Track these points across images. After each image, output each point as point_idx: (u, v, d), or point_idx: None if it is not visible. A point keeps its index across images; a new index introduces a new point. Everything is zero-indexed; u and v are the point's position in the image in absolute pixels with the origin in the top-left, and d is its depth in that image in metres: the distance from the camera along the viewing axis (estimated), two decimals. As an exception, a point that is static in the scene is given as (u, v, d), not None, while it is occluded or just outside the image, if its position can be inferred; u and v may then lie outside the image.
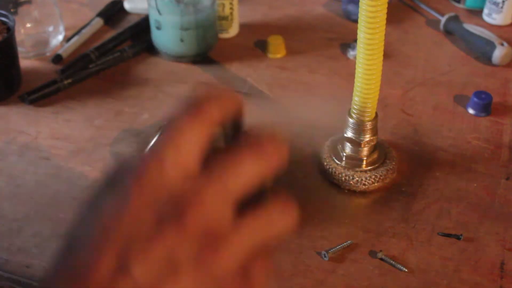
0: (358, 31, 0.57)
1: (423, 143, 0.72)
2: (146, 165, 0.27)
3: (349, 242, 0.59)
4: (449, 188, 0.66)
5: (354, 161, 0.65)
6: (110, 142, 0.73)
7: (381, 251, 0.58)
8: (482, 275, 0.56)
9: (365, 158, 0.65)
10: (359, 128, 0.63)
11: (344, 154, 0.66)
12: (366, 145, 0.64)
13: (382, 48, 0.57)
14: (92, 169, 0.69)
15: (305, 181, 0.67)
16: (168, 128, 0.29)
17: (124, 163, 0.31)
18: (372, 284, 0.56)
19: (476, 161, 0.69)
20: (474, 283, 0.56)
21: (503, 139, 0.73)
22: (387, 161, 0.66)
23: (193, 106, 0.29)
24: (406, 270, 0.57)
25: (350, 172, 0.65)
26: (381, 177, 0.65)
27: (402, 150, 0.71)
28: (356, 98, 0.61)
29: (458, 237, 0.60)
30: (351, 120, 0.63)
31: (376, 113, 0.63)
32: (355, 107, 0.62)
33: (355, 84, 0.60)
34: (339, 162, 0.66)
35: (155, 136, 0.30)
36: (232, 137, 0.31)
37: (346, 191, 0.65)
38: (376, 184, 0.65)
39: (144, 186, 0.27)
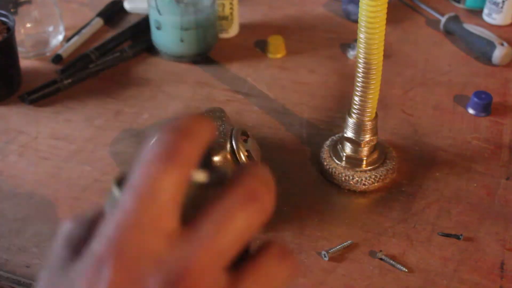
0: (358, 31, 0.57)
1: (423, 143, 0.72)
2: (121, 227, 0.23)
3: (349, 242, 0.59)
4: (449, 188, 0.66)
5: (354, 161, 0.65)
6: (110, 142, 0.73)
7: (381, 251, 0.58)
8: (482, 275, 0.56)
9: (365, 158, 0.65)
10: (359, 128, 0.63)
11: (344, 154, 0.66)
12: (366, 145, 0.64)
13: (382, 48, 0.57)
14: (92, 169, 0.69)
15: (305, 181, 0.67)
16: (138, 178, 0.24)
17: (85, 220, 0.26)
18: (372, 284, 0.56)
19: (476, 161, 0.69)
20: (474, 283, 0.56)
21: (503, 139, 0.73)
22: (387, 161, 0.66)
23: (164, 147, 0.24)
24: (406, 270, 0.57)
25: (350, 172, 0.65)
26: (381, 177, 0.65)
27: (402, 150, 0.71)
28: (356, 98, 0.61)
29: (458, 237, 0.60)
30: (351, 120, 0.63)
31: (376, 113, 0.63)
32: (355, 107, 0.62)
33: (355, 84, 0.61)
34: (339, 162, 0.66)
35: (115, 188, 0.26)
36: (209, 176, 0.26)
37: (346, 191, 0.65)
38: (376, 184, 0.65)
39: (123, 254, 0.23)
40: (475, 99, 0.76)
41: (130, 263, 0.23)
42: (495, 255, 0.58)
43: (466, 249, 0.59)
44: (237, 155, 0.59)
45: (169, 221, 0.23)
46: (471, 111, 0.77)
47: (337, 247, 0.59)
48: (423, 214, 0.63)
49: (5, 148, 0.72)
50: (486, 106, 0.75)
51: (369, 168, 0.65)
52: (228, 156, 0.59)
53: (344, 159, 0.66)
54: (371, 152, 0.66)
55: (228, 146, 0.60)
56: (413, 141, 0.72)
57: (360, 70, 0.59)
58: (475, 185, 0.66)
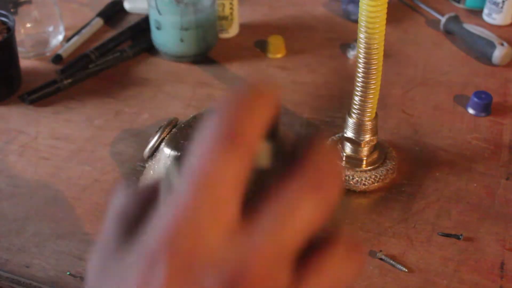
0: (358, 31, 0.57)
1: (423, 143, 0.72)
2: (177, 220, 0.21)
3: (349, 242, 0.59)
4: (449, 188, 0.66)
5: (354, 161, 0.65)
6: (110, 142, 0.73)
7: (381, 251, 0.58)
8: (482, 275, 0.56)
9: (365, 158, 0.65)
10: (359, 128, 0.63)
11: (344, 154, 0.66)
12: (366, 145, 0.64)
13: (382, 48, 0.57)
14: (92, 169, 0.69)
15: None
16: (196, 163, 0.21)
17: (139, 198, 0.25)
18: (372, 284, 0.56)
19: (476, 161, 0.69)
20: (474, 283, 0.56)
21: (503, 139, 0.73)
22: (387, 161, 0.66)
23: (224, 127, 0.21)
24: (406, 270, 0.57)
25: (350, 172, 0.65)
26: (381, 177, 0.65)
27: (402, 150, 0.71)
28: (356, 98, 0.61)
29: (458, 237, 0.60)
30: (351, 120, 0.63)
31: (376, 113, 0.63)
32: (355, 107, 0.62)
33: (355, 84, 0.60)
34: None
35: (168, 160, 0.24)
36: (272, 153, 0.23)
37: (346, 191, 0.65)
38: (376, 184, 0.65)
39: (179, 252, 0.21)
40: (475, 99, 0.76)
41: (186, 262, 0.21)
42: (495, 255, 0.58)
43: (466, 249, 0.59)
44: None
45: (229, 213, 0.21)
46: (471, 111, 0.77)
47: (337, 247, 0.58)
48: (423, 214, 0.63)
49: (5, 148, 0.72)
50: (486, 106, 0.75)
51: (369, 168, 0.65)
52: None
53: (344, 159, 0.66)
54: (371, 152, 0.66)
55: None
56: (413, 141, 0.72)
57: (360, 70, 0.59)
58: (475, 185, 0.66)
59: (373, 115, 0.63)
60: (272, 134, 0.23)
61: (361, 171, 0.65)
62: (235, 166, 0.21)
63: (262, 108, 0.22)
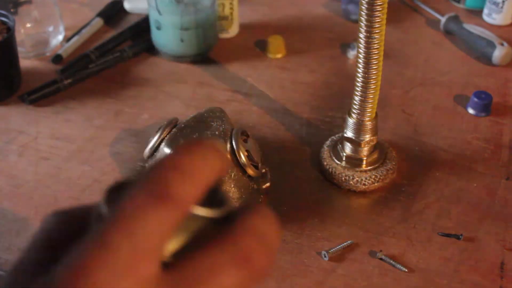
0: (358, 31, 0.57)
1: (423, 143, 0.72)
2: (92, 262, 0.20)
3: (349, 242, 0.59)
4: (449, 188, 0.66)
5: (354, 161, 0.65)
6: (110, 142, 0.73)
7: (381, 251, 0.58)
8: (482, 275, 0.56)
9: (365, 158, 0.65)
10: (359, 128, 0.63)
11: (344, 154, 0.66)
12: (366, 145, 0.64)
13: (382, 48, 0.57)
14: (92, 169, 0.69)
15: (305, 181, 0.67)
16: (122, 211, 0.21)
17: (64, 222, 0.25)
18: (372, 284, 0.56)
19: (476, 161, 0.69)
20: (474, 283, 0.56)
21: (503, 139, 0.73)
22: (387, 161, 0.66)
23: (159, 183, 0.21)
24: (406, 270, 0.57)
25: (350, 172, 0.65)
26: (381, 177, 0.65)
27: (402, 150, 0.71)
28: (356, 98, 0.61)
29: (458, 237, 0.60)
30: (351, 120, 0.63)
31: (376, 113, 0.63)
32: (355, 107, 0.62)
33: (355, 84, 0.60)
34: (339, 162, 0.66)
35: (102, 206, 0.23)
36: (212, 212, 0.23)
37: (346, 191, 0.65)
38: (376, 184, 0.65)
39: None
40: (475, 99, 0.76)
41: None
42: (495, 255, 0.58)
43: (466, 249, 0.59)
44: (237, 155, 0.59)
45: (147, 267, 0.21)
46: (471, 111, 0.77)
47: (337, 247, 0.59)
48: (423, 214, 0.63)
49: (5, 148, 0.72)
50: (486, 106, 0.75)
51: (369, 168, 0.65)
52: (228, 156, 0.59)
53: (344, 159, 0.66)
54: (371, 152, 0.66)
55: (228, 146, 0.60)
56: (413, 141, 0.72)
57: (360, 70, 0.59)
58: (475, 185, 0.66)
59: (373, 115, 0.63)
60: (213, 195, 0.23)
61: (361, 171, 0.65)
62: (159, 225, 0.21)
63: (201, 171, 0.22)
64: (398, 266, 0.57)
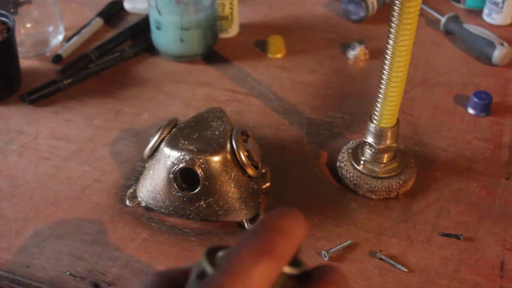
0: (389, 38, 0.55)
1: (423, 143, 0.72)
2: None
3: (349, 242, 0.59)
4: (449, 188, 0.66)
5: (372, 167, 0.65)
6: (110, 142, 0.73)
7: (381, 251, 0.58)
8: (482, 275, 0.56)
9: (382, 165, 0.64)
10: (379, 134, 0.62)
11: (363, 158, 0.65)
12: (385, 152, 0.64)
13: (408, 58, 0.56)
14: (92, 169, 0.69)
15: (305, 181, 0.67)
16: (234, 263, 0.25)
17: (168, 280, 0.28)
18: (372, 284, 0.56)
19: (476, 161, 0.69)
20: (474, 283, 0.56)
21: (503, 139, 0.73)
22: (406, 170, 0.65)
23: (263, 241, 0.26)
24: (406, 270, 0.57)
25: (367, 179, 0.64)
26: (396, 187, 0.64)
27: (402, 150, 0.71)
28: (378, 105, 0.60)
29: (458, 237, 0.60)
30: (371, 125, 0.63)
31: (398, 120, 0.62)
32: (376, 113, 0.61)
33: (378, 91, 0.59)
34: (357, 167, 0.66)
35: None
36: (295, 270, 0.28)
37: (346, 191, 0.65)
38: (391, 193, 0.64)
39: None
40: (475, 99, 0.76)
41: None
42: (495, 255, 0.58)
43: (466, 249, 0.59)
44: (237, 155, 0.59)
45: None
46: (471, 111, 0.77)
47: (337, 247, 0.59)
48: (423, 214, 0.63)
49: (5, 148, 0.72)
50: (486, 106, 0.75)
51: (385, 176, 0.64)
52: (228, 156, 0.59)
53: (362, 163, 0.65)
54: (390, 159, 0.65)
55: (228, 146, 0.60)
56: (413, 141, 0.72)
57: (385, 78, 0.57)
58: (475, 185, 0.66)
59: (394, 122, 0.62)
60: (295, 255, 0.28)
61: (377, 178, 0.64)
62: (264, 271, 0.25)
63: (294, 234, 0.27)
64: (398, 266, 0.57)
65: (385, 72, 0.58)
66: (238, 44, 0.91)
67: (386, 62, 0.57)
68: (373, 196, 0.64)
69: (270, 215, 0.27)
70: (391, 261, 0.57)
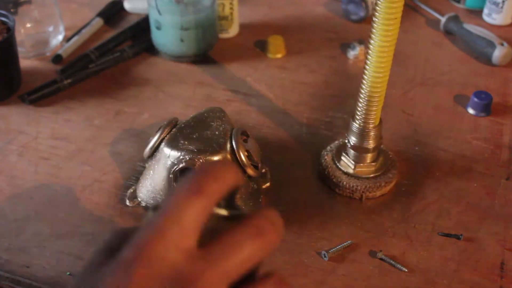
0: (371, 39, 0.55)
1: (423, 143, 0.72)
2: (149, 238, 0.28)
3: (349, 242, 0.59)
4: (449, 188, 0.66)
5: (358, 168, 0.65)
6: (110, 142, 0.73)
7: (381, 251, 0.58)
8: (482, 275, 0.56)
9: (367, 165, 0.65)
10: (363, 134, 0.62)
11: (346, 159, 0.65)
12: (370, 152, 0.64)
13: (390, 59, 0.56)
14: (92, 169, 0.69)
15: (305, 181, 0.67)
16: (169, 204, 0.29)
17: (122, 233, 0.31)
18: (372, 284, 0.56)
19: (476, 161, 0.69)
20: (474, 283, 0.56)
21: (503, 139, 0.73)
22: (390, 169, 0.65)
23: (194, 183, 0.30)
24: (406, 270, 0.57)
25: (352, 180, 0.64)
26: (382, 186, 0.64)
27: (402, 150, 0.71)
28: (360, 105, 0.61)
29: (458, 237, 0.60)
30: (355, 125, 0.63)
31: (381, 120, 0.63)
32: (358, 113, 0.62)
33: (360, 91, 0.59)
34: (340, 168, 0.66)
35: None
36: (231, 213, 0.32)
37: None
38: (374, 193, 0.64)
39: (147, 260, 0.28)
40: (475, 99, 0.76)
41: (152, 268, 0.27)
42: (495, 255, 0.58)
43: (466, 249, 0.59)
44: (237, 155, 0.59)
45: (189, 240, 0.29)
46: (471, 111, 0.77)
47: (337, 247, 0.59)
48: (423, 214, 0.63)
49: (5, 148, 0.72)
50: (486, 106, 0.75)
51: (372, 176, 0.65)
52: (228, 156, 0.59)
53: (345, 164, 0.65)
54: (374, 159, 0.65)
55: (228, 146, 0.60)
56: (413, 141, 0.72)
57: (366, 78, 0.58)
58: (475, 185, 0.66)
59: (377, 122, 0.62)
60: (231, 200, 0.32)
61: (363, 179, 0.64)
62: (197, 207, 0.29)
63: (224, 178, 0.30)
64: (398, 266, 0.57)
65: (366, 72, 0.57)
66: (238, 44, 0.91)
67: (368, 62, 0.57)
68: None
69: (202, 164, 0.31)
70: (391, 261, 0.57)
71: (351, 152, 0.65)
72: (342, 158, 0.66)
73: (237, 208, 0.32)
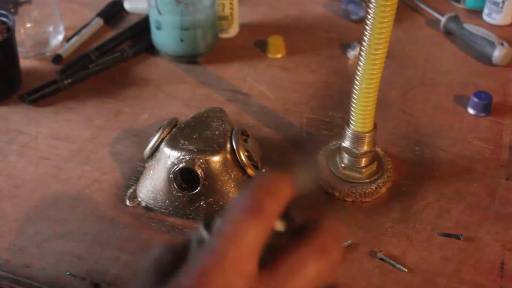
0: (363, 41, 0.55)
1: (423, 143, 0.72)
2: (209, 265, 0.27)
3: (349, 242, 0.59)
4: (449, 188, 0.66)
5: (351, 172, 0.65)
6: (110, 142, 0.73)
7: (381, 251, 0.58)
8: (482, 275, 0.56)
9: (362, 169, 0.64)
10: (357, 139, 0.62)
11: (342, 164, 0.65)
12: (364, 156, 0.64)
13: (382, 65, 0.56)
14: (92, 169, 0.69)
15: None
16: (227, 226, 0.28)
17: (173, 249, 0.30)
18: (372, 284, 0.56)
19: (476, 161, 0.69)
20: (474, 283, 0.56)
21: (503, 139, 0.73)
22: (384, 173, 0.66)
23: (252, 202, 0.28)
24: (406, 270, 0.57)
25: (346, 184, 0.64)
26: (377, 189, 0.64)
27: (402, 150, 0.71)
28: (353, 110, 0.60)
29: (458, 237, 0.60)
30: (349, 130, 0.62)
31: (375, 124, 0.63)
32: (352, 118, 0.61)
33: (352, 96, 0.59)
34: (336, 173, 0.66)
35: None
36: (287, 226, 0.30)
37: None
38: (371, 197, 0.64)
39: None
40: (475, 99, 0.76)
41: None
42: (495, 255, 0.58)
43: (466, 249, 0.59)
44: (237, 155, 0.59)
45: (249, 264, 0.27)
46: (471, 111, 0.77)
47: (337, 247, 0.58)
48: (423, 214, 0.63)
49: (5, 148, 0.72)
50: (486, 106, 0.75)
51: (366, 181, 0.65)
52: (228, 156, 0.59)
53: (341, 169, 0.65)
54: (368, 163, 0.65)
55: (228, 146, 0.60)
56: (413, 141, 0.72)
57: (357, 83, 0.58)
58: (475, 185, 0.66)
59: (371, 127, 0.62)
60: (287, 212, 0.30)
61: (357, 183, 0.64)
62: (256, 230, 0.27)
63: (280, 193, 0.29)
64: (398, 266, 0.57)
65: (358, 78, 0.57)
66: (238, 44, 0.91)
67: (359, 68, 0.56)
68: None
69: (256, 178, 0.29)
70: (391, 261, 0.57)
71: (345, 156, 0.65)
72: (337, 161, 0.66)
73: (292, 220, 0.30)
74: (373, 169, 0.66)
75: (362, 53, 0.55)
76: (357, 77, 0.57)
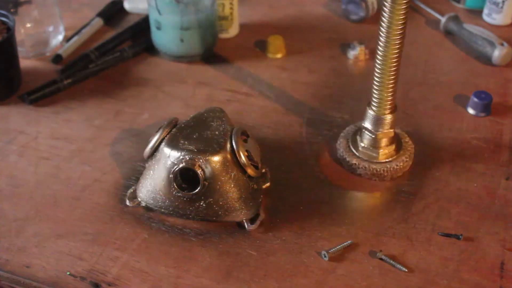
0: (381, 26, 0.57)
1: (423, 143, 0.72)
2: None
3: (349, 242, 0.59)
4: (449, 188, 0.66)
5: (371, 153, 0.66)
6: (110, 142, 0.73)
7: (381, 251, 0.58)
8: (482, 275, 0.56)
9: (381, 150, 0.66)
10: (378, 121, 0.64)
11: (362, 144, 0.67)
12: (384, 137, 0.65)
13: (402, 43, 0.60)
14: (92, 169, 0.69)
15: (305, 181, 0.67)
16: None
17: None
18: (372, 284, 0.56)
19: (476, 161, 0.69)
20: (474, 283, 0.56)
21: (503, 139, 0.73)
22: (402, 153, 0.67)
23: None
24: (406, 270, 0.57)
25: (366, 164, 0.66)
26: (396, 170, 0.66)
27: (402, 150, 0.71)
28: (375, 92, 0.62)
29: (458, 237, 0.60)
30: (370, 112, 0.64)
31: (396, 106, 0.64)
32: (374, 100, 0.63)
33: (373, 77, 0.61)
34: (355, 152, 0.67)
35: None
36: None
37: (346, 190, 0.65)
38: (388, 177, 0.66)
39: None
40: (475, 99, 0.76)
41: None
42: (495, 255, 0.58)
43: (466, 249, 0.59)
44: (237, 155, 0.59)
45: None
46: (471, 111, 0.77)
47: (337, 247, 0.59)
48: (423, 214, 0.63)
49: (5, 148, 0.72)
50: (486, 106, 0.75)
51: (385, 160, 0.66)
52: (228, 156, 0.59)
53: (360, 149, 0.67)
54: (388, 144, 0.67)
55: (228, 146, 0.60)
56: (413, 141, 0.72)
57: (379, 64, 0.60)
58: (475, 185, 0.66)
59: (392, 109, 0.64)
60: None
61: (376, 163, 0.66)
62: None
63: None
64: (398, 266, 0.57)
65: (379, 57, 0.60)
66: (238, 44, 0.91)
67: (380, 47, 0.59)
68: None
69: None
70: (391, 261, 0.57)
71: (367, 137, 0.67)
72: (358, 142, 0.68)
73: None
74: (392, 149, 0.67)
75: (382, 34, 0.58)
76: (379, 55, 0.60)
